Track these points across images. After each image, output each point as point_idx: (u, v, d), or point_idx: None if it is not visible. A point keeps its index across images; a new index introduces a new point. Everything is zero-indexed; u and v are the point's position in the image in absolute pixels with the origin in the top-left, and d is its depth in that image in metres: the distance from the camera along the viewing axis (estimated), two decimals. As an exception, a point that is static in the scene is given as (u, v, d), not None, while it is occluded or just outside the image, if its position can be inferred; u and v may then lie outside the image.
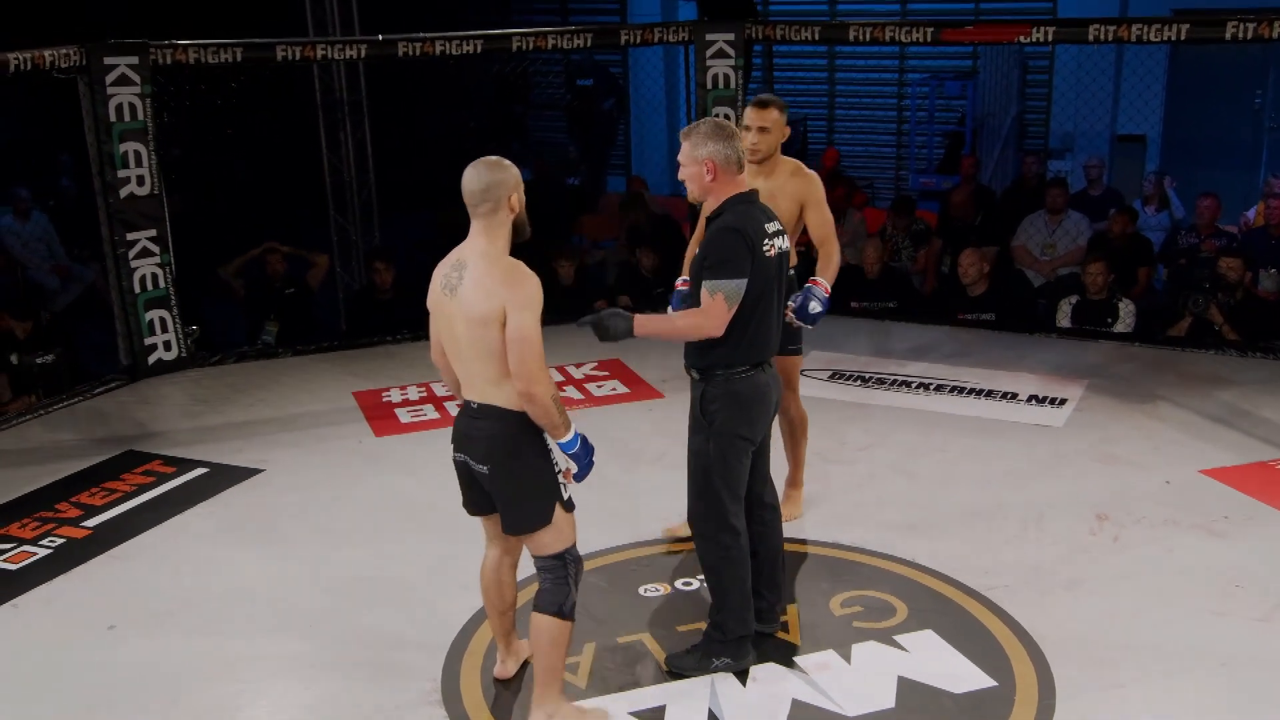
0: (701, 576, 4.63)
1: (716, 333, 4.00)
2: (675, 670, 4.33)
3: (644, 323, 4.09)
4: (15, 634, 4.84)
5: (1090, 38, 7.39)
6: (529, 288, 3.68)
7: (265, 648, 4.70)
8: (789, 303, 4.70)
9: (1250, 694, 4.07)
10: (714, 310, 3.97)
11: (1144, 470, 5.71)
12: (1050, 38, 7.60)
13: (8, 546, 5.54)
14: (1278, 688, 4.10)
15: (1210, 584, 4.72)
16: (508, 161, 3.83)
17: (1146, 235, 8.49)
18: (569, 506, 3.93)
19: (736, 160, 4.02)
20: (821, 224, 5.13)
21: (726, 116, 7.67)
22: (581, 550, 5.05)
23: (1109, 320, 7.58)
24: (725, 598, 4.24)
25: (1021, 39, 7.61)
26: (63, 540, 5.57)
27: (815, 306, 4.87)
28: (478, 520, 5.55)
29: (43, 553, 5.50)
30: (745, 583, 4.25)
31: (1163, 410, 6.42)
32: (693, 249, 4.42)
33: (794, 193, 5.11)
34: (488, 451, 3.83)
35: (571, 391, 7.04)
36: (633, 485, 5.79)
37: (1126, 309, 7.62)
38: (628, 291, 8.33)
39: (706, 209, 4.17)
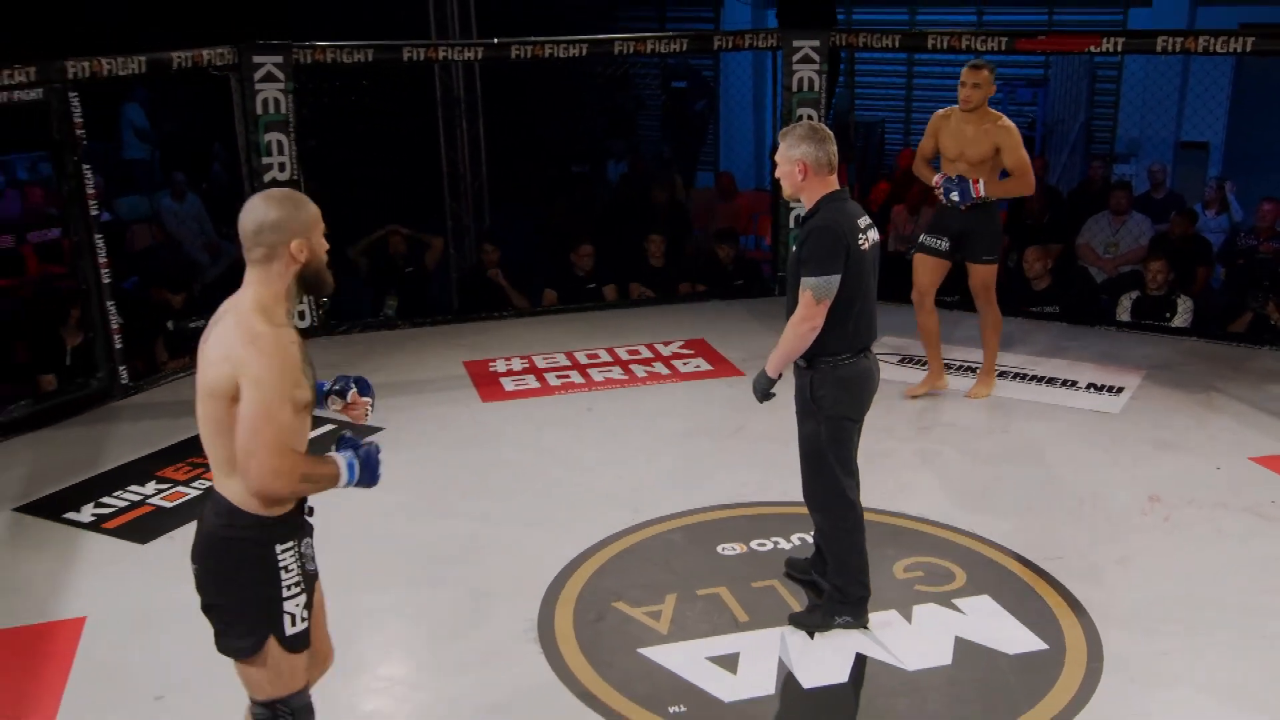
0: (775, 538, 4.70)
1: (819, 327, 4.00)
2: (799, 627, 4.31)
3: (772, 363, 4.19)
4: (171, 562, 4.90)
5: (1158, 49, 7.25)
6: (275, 357, 2.72)
7: (382, 582, 4.82)
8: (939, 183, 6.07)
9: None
10: (809, 308, 3.99)
11: (1196, 456, 5.66)
12: (1120, 49, 7.48)
13: (164, 487, 5.76)
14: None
15: (1256, 564, 4.69)
16: (303, 197, 2.95)
17: (1206, 237, 8.36)
18: (293, 645, 2.92)
19: (827, 162, 4.00)
20: (1015, 163, 6.03)
21: (810, 118, 7.70)
22: (666, 511, 5.19)
23: (1167, 315, 7.49)
24: (845, 564, 4.25)
25: (1092, 49, 7.52)
26: (209, 483, 5.73)
27: (954, 195, 6.05)
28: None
29: (193, 493, 5.66)
30: (862, 549, 4.26)
31: (1216, 401, 6.35)
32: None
33: (992, 137, 6.01)
34: (201, 549, 2.95)
35: (659, 368, 7.04)
36: (712, 455, 5.82)
37: (1184, 305, 7.53)
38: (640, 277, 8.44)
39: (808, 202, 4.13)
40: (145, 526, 5.35)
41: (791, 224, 8.07)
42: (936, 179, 6.12)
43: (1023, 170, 6.04)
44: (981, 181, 5.98)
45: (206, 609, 2.95)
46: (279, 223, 2.80)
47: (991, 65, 6.12)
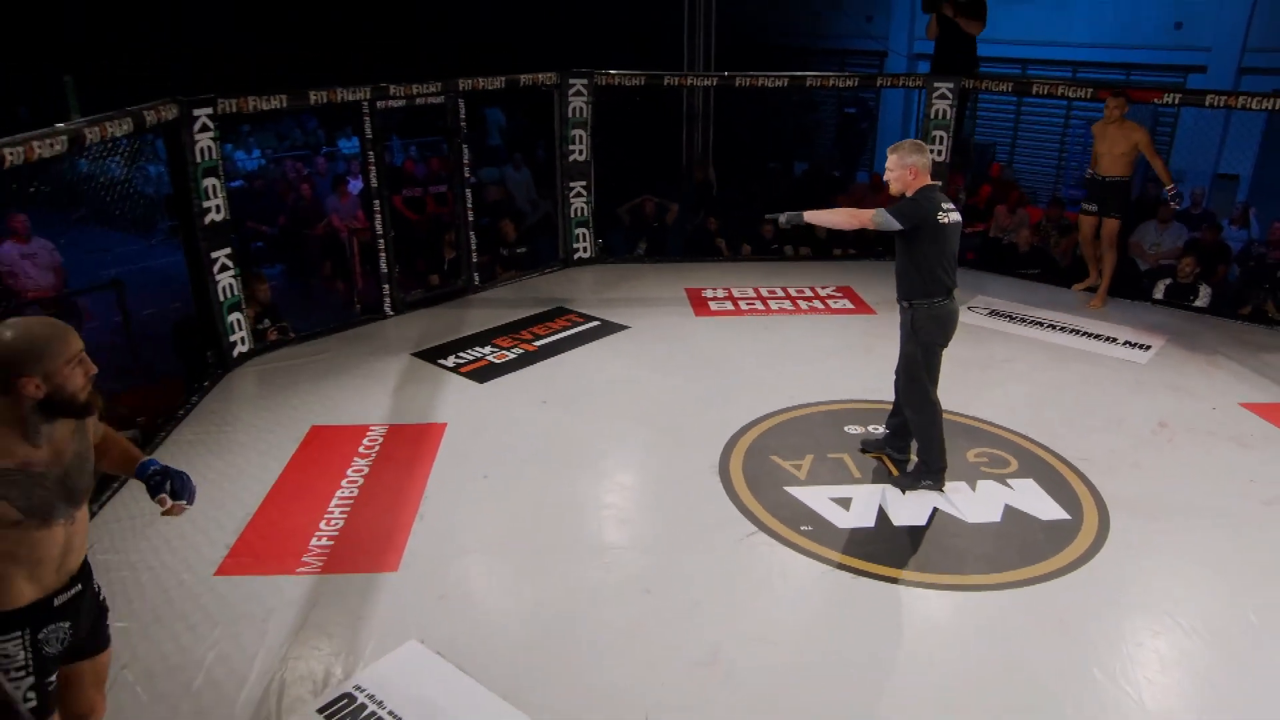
0: (883, 427, 4.68)
1: (849, 227, 4.08)
2: (897, 486, 4.31)
3: (810, 214, 4.11)
4: (495, 400, 5.29)
5: (1206, 103, 6.78)
6: None
7: (622, 423, 5.00)
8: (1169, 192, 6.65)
9: (1247, 545, 4.00)
10: (862, 218, 4.00)
11: (1199, 398, 5.43)
12: (1177, 102, 7.03)
13: (496, 349, 5.98)
14: (1267, 544, 4.00)
15: (1233, 477, 4.55)
16: (41, 327, 2.11)
17: (1228, 243, 7.83)
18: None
19: (927, 166, 4.01)
20: (1153, 156, 6.58)
21: (941, 139, 7.56)
22: (812, 399, 5.28)
23: (1191, 297, 7.09)
24: (930, 444, 4.26)
25: (1156, 100, 7.10)
26: (522, 350, 5.96)
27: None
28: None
29: (513, 355, 5.88)
30: (941, 435, 4.25)
31: (1220, 361, 6.03)
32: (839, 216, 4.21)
33: (1132, 137, 6.53)
34: None
35: (816, 304, 6.98)
36: (847, 365, 5.82)
37: (1205, 291, 7.10)
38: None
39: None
40: (483, 373, 5.61)
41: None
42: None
43: (1155, 157, 6.65)
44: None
45: None
46: (6, 359, 2.04)
47: (1129, 95, 6.70)
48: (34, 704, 2.24)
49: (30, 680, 2.22)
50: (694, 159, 9.33)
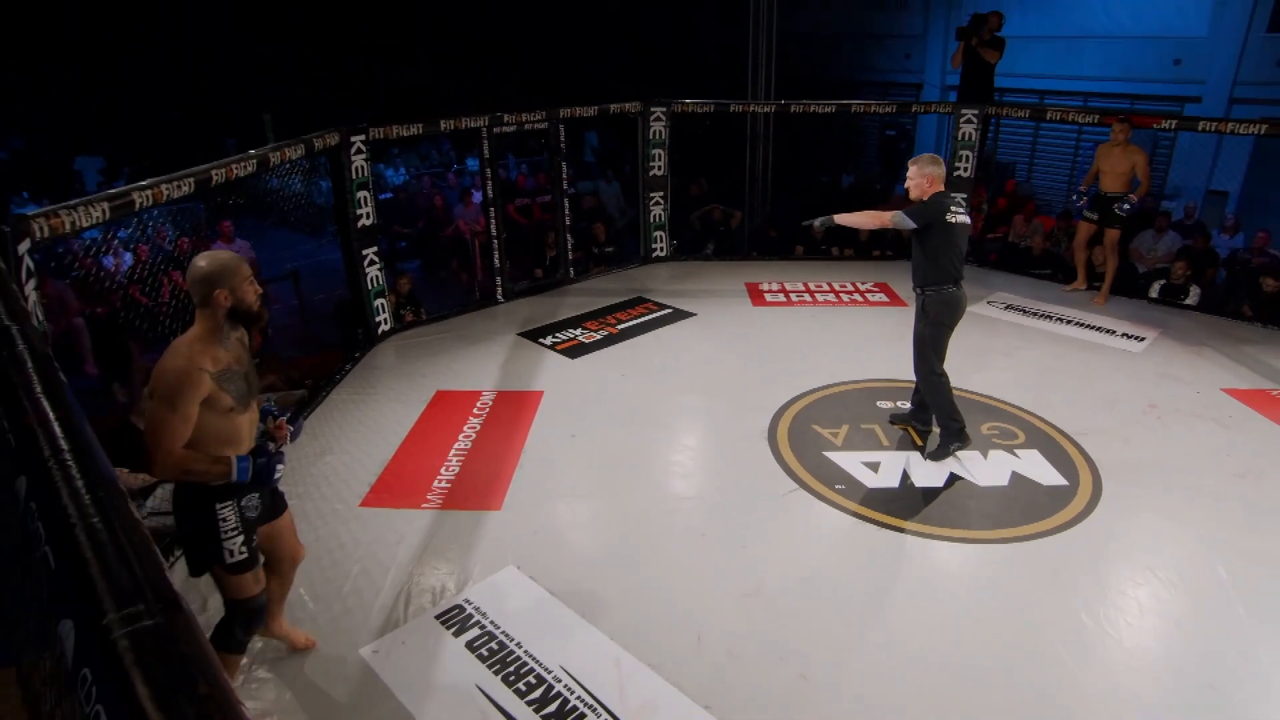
0: (907, 404, 4.58)
1: (872, 226, 3.96)
2: (927, 458, 4.18)
3: (841, 216, 4.01)
4: (585, 373, 5.27)
5: (1199, 128, 6.34)
6: (169, 376, 2.15)
7: (688, 395, 4.92)
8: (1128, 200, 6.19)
9: (1219, 509, 3.80)
10: (885, 217, 3.91)
11: (1185, 384, 5.16)
12: (1174, 127, 6.56)
13: (586, 331, 5.94)
14: (1235, 509, 3.79)
15: (1213, 451, 4.34)
16: (226, 255, 2.29)
17: (1216, 250, 7.32)
18: (235, 569, 2.39)
19: (941, 176, 3.93)
20: (1143, 174, 6.18)
21: (968, 158, 7.24)
22: (849, 378, 5.18)
23: (1182, 297, 6.67)
24: (942, 408, 4.16)
25: (1155, 126, 6.65)
26: (607, 333, 5.94)
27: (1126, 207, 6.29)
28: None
29: (599, 336, 5.84)
30: (952, 400, 4.14)
31: (1206, 352, 5.69)
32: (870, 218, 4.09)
33: (1133, 159, 6.17)
34: (172, 501, 2.39)
35: (857, 297, 6.79)
36: (881, 349, 5.66)
37: (1195, 291, 6.67)
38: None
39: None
40: (574, 350, 5.58)
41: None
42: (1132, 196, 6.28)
43: (1145, 175, 6.22)
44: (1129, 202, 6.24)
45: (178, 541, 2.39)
46: (207, 276, 2.22)
47: (1132, 121, 6.32)
48: (245, 555, 2.39)
49: (240, 538, 2.37)
50: (706, 203, 9.01)
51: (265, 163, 4.57)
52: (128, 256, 5.51)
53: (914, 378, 4.28)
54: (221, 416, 2.24)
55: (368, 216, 5.75)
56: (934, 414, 4.24)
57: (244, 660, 2.70)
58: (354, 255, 5.76)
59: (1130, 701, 2.73)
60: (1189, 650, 2.95)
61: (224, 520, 2.34)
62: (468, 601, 3.18)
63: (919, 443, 4.37)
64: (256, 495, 2.41)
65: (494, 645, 2.95)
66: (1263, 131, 6.06)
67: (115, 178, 10.46)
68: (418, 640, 2.98)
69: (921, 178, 3.94)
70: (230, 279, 2.24)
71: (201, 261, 2.25)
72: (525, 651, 2.91)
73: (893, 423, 4.58)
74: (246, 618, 2.46)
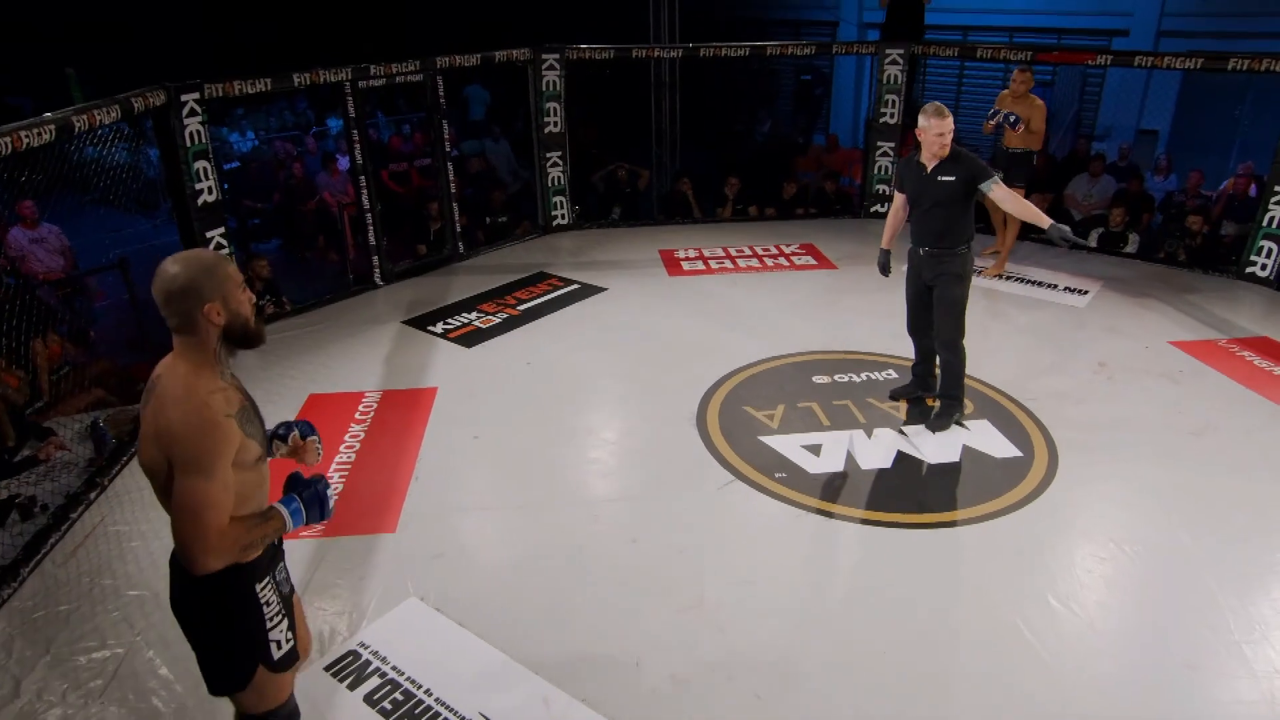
0: (849, 374, 4.60)
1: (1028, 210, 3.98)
2: (933, 429, 4.24)
3: (1043, 219, 3.91)
4: (483, 362, 5.10)
5: (1135, 63, 6.61)
6: (191, 435, 1.73)
7: (603, 381, 4.88)
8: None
9: (1178, 471, 3.94)
10: (1019, 193, 4.17)
11: (1132, 339, 5.39)
12: (1108, 63, 6.82)
13: (482, 314, 5.83)
14: (1194, 469, 3.95)
15: (1165, 408, 4.52)
16: (206, 254, 1.84)
17: (1151, 194, 7.71)
18: (281, 666, 2.03)
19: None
20: (1039, 128, 6.15)
21: (892, 102, 7.35)
22: (780, 351, 5.17)
23: (1121, 245, 6.99)
24: (960, 378, 4.21)
25: (1089, 62, 6.90)
26: (506, 315, 5.82)
27: (1012, 119, 6.07)
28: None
29: (497, 320, 5.73)
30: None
31: (1149, 303, 5.97)
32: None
33: (1029, 110, 6.07)
34: (181, 602, 1.95)
35: (781, 261, 6.84)
36: (811, 318, 5.70)
37: (1133, 239, 7.01)
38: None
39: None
40: (470, 338, 5.46)
41: (881, 171, 7.80)
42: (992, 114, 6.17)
43: (1039, 132, 6.17)
44: (1021, 125, 6.05)
45: (196, 650, 1.99)
46: (186, 289, 1.77)
47: (1030, 79, 6.19)
48: (293, 643, 2.05)
49: (285, 620, 2.02)
50: (601, 156, 8.88)
51: (68, 128, 4.10)
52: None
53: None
54: (251, 470, 1.88)
55: (210, 191, 5.32)
56: (946, 382, 4.26)
57: None
58: (195, 237, 5.33)
59: (1110, 693, 2.78)
60: (1163, 630, 3.04)
61: (267, 605, 1.97)
62: (363, 645, 2.98)
63: (934, 405, 4.41)
64: (283, 561, 2.09)
65: (399, 696, 2.77)
66: (1199, 65, 6.32)
67: None
68: (305, 700, 2.75)
69: (949, 132, 3.96)
70: (220, 287, 1.81)
71: (174, 268, 1.78)
72: (437, 699, 2.75)
73: (893, 398, 4.59)
74: None
